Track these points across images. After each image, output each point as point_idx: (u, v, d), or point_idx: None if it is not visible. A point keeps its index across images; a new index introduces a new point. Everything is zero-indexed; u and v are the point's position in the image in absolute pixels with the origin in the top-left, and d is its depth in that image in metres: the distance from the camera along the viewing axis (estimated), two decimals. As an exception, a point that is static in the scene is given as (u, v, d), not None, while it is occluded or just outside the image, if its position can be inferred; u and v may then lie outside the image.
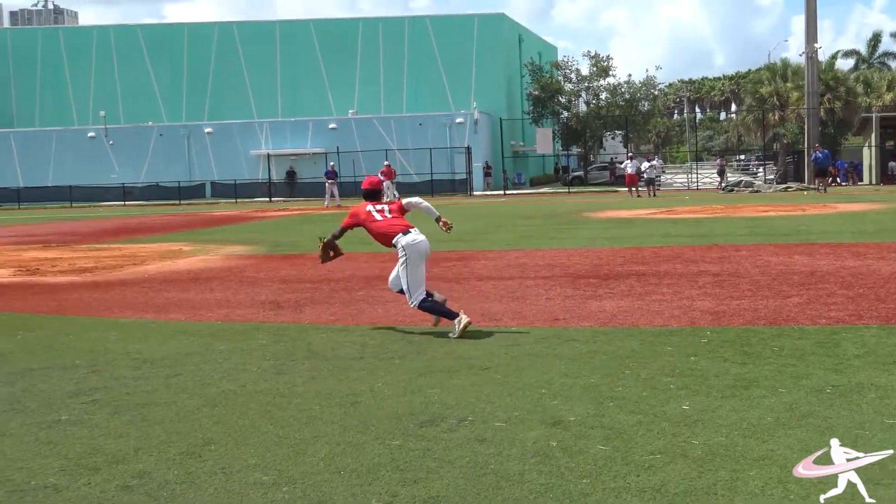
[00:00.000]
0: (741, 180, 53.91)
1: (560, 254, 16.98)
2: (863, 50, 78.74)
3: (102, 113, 68.46)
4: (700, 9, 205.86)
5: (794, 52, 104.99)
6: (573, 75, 71.08)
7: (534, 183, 70.86)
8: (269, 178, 62.90)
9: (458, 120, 62.93)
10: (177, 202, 60.04)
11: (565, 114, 70.97)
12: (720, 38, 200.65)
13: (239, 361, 8.14)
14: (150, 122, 69.37)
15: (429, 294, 9.15)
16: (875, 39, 78.08)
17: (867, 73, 72.12)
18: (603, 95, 71.10)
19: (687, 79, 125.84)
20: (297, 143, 64.90)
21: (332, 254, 10.31)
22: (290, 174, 63.41)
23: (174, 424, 6.18)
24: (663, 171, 63.14)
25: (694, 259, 15.11)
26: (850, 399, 6.24)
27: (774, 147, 68.54)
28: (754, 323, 9.23)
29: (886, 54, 78.06)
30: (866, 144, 56.60)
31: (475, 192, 59.05)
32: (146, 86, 73.56)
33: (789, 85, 66.10)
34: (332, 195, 45.22)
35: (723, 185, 51.94)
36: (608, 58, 70.65)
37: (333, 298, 12.02)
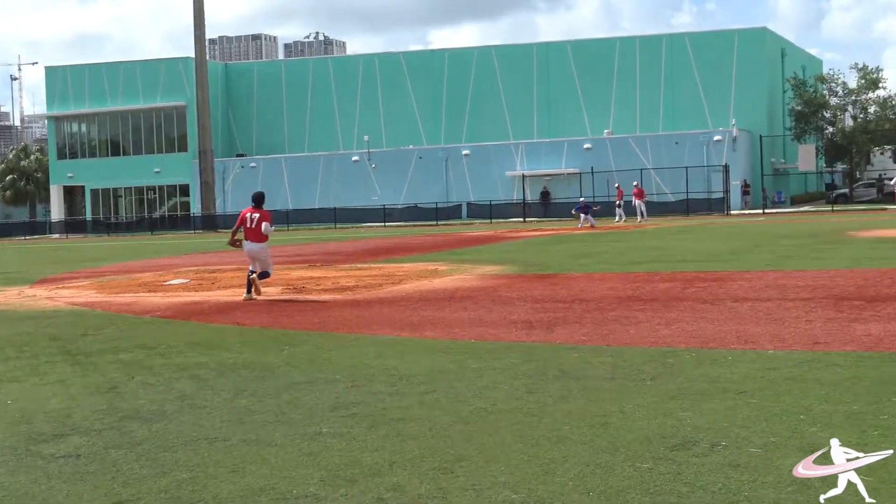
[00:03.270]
0: None
1: (822, 275, 16.30)
2: None
3: (366, 138, 71.32)
4: None
5: None
6: (839, 89, 68.24)
7: (795, 201, 68.34)
8: (524, 199, 63.52)
9: (715, 138, 61.68)
10: (434, 223, 61.60)
11: (830, 129, 68.17)
12: None
13: (491, 380, 8.25)
14: (410, 146, 71.60)
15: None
16: None
17: None
18: (871, 109, 67.87)
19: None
20: (552, 164, 65.38)
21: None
22: (544, 195, 63.84)
23: (427, 440, 6.33)
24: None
25: (971, 281, 14.16)
26: None
27: None
28: None
29: None
30: None
31: (732, 211, 57.61)
32: (407, 110, 76.03)
33: None
34: (587, 218, 45.12)
35: None
36: (878, 69, 67.44)
37: (585, 318, 11.99)
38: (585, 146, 64.44)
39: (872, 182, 69.20)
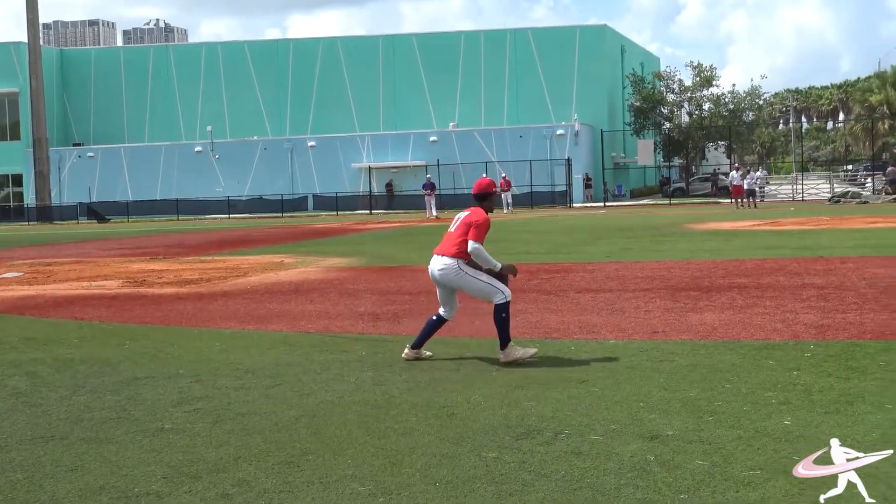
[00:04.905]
0: (848, 191, 52.68)
1: (660, 266, 16.80)
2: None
3: (209, 128, 70.10)
4: (825, 13, 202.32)
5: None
6: (676, 86, 70.43)
7: (634, 195, 70.29)
8: (370, 191, 63.52)
9: (558, 132, 62.86)
10: (279, 215, 61.02)
11: (667, 125, 70.33)
12: (847, 43, 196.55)
13: (338, 372, 8.22)
14: (254, 137, 70.69)
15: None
16: None
17: None
18: (706, 106, 70.31)
19: (794, 88, 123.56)
20: (398, 156, 65.52)
21: None
22: (389, 187, 64.00)
23: (273, 434, 6.27)
24: (767, 183, 62.04)
25: (798, 271, 14.82)
26: (960, 416, 6.06)
27: (884, 157, 66.86)
28: (860, 337, 9.01)
29: None
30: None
31: (575, 204, 58.88)
32: (252, 101, 75.03)
33: (900, 93, 64.52)
34: (431, 206, 45.51)
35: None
36: (712, 67, 69.92)
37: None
38: (431, 139, 64.81)
39: (707, 176, 71.77)
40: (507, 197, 49.62)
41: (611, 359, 8.35)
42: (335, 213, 60.79)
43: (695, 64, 70.33)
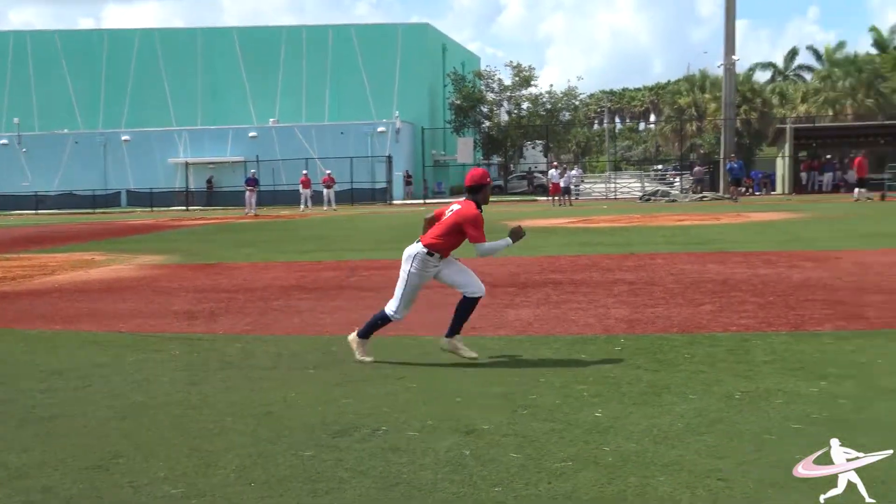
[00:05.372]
0: (658, 190, 54.63)
1: (477, 262, 17.00)
2: (779, 63, 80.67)
3: (16, 120, 67.22)
4: (639, 17, 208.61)
5: (713, 63, 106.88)
6: (495, 85, 71.57)
7: (454, 192, 70.98)
8: (187, 187, 62.20)
9: (379, 129, 62.94)
10: (91, 211, 59.10)
11: (486, 123, 71.40)
12: (659, 47, 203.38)
13: (151, 373, 8.00)
14: (65, 130, 68.20)
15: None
16: (792, 53, 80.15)
17: (783, 85, 73.84)
18: (524, 105, 71.67)
19: (608, 89, 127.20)
20: (217, 152, 64.36)
21: None
22: (210, 182, 62.83)
23: (81, 438, 6.04)
24: (582, 181, 63.76)
25: (610, 268, 15.25)
26: (758, 405, 6.34)
27: (691, 157, 69.63)
28: (668, 330, 9.33)
29: (802, 67, 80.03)
30: (780, 155, 57.80)
31: (395, 201, 59.08)
32: (62, 93, 72.45)
33: (707, 96, 67.35)
34: (251, 204, 44.91)
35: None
36: (530, 68, 71.34)
37: (248, 308, 11.89)
38: (251, 134, 63.87)
39: (525, 174, 73.26)
40: (329, 194, 49.56)
41: (429, 355, 8.40)
42: (150, 208, 59.28)
43: (514, 64, 71.74)
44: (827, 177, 55.15)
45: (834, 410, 6.16)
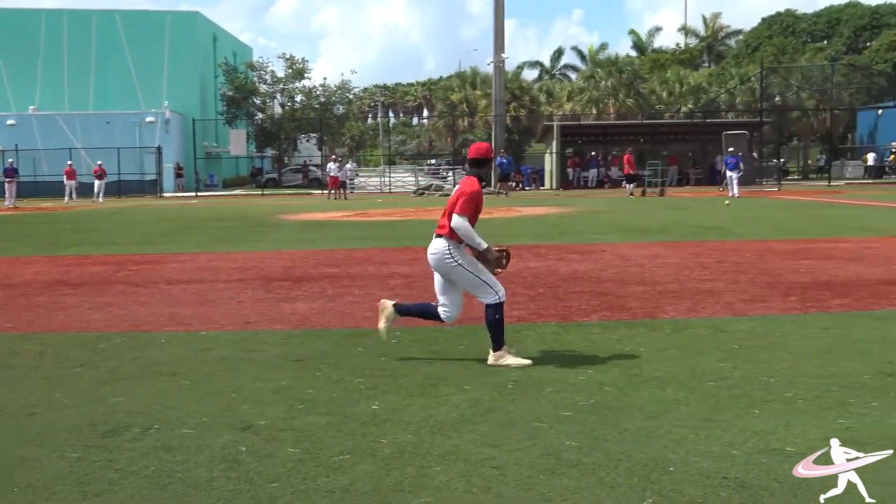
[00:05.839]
0: (432, 184, 55.44)
1: (253, 256, 16.83)
2: (546, 62, 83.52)
3: None
4: (411, 13, 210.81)
5: (483, 60, 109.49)
6: (268, 77, 70.77)
7: (227, 185, 69.87)
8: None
9: (148, 119, 61.15)
10: None
11: (260, 115, 70.53)
12: (431, 43, 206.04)
13: None
14: None
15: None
16: (558, 53, 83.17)
17: (550, 83, 76.43)
18: (298, 98, 71.18)
19: (382, 83, 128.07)
20: (-28, 140, 60.89)
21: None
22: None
23: None
24: (357, 175, 63.96)
25: (386, 261, 15.37)
26: (529, 394, 6.53)
27: (463, 152, 70.94)
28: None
29: (567, 67, 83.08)
30: (548, 151, 59.76)
31: (165, 194, 57.59)
32: None
33: (478, 92, 68.71)
34: (11, 195, 42.80)
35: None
36: (303, 60, 70.91)
37: (9, 305, 11.32)
38: (9, 122, 60.75)
39: (299, 168, 72.85)
40: (100, 185, 47.91)
41: (203, 350, 8.23)
42: None
43: (287, 56, 71.10)
44: (592, 173, 57.42)
45: (600, 397, 6.42)
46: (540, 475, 4.88)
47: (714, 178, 54.58)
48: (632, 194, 41.84)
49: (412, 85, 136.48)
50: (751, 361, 7.36)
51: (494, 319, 7.40)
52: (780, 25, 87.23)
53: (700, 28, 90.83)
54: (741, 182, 39.41)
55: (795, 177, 69.62)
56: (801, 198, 37.81)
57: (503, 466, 5.01)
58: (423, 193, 50.21)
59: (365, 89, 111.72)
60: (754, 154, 58.10)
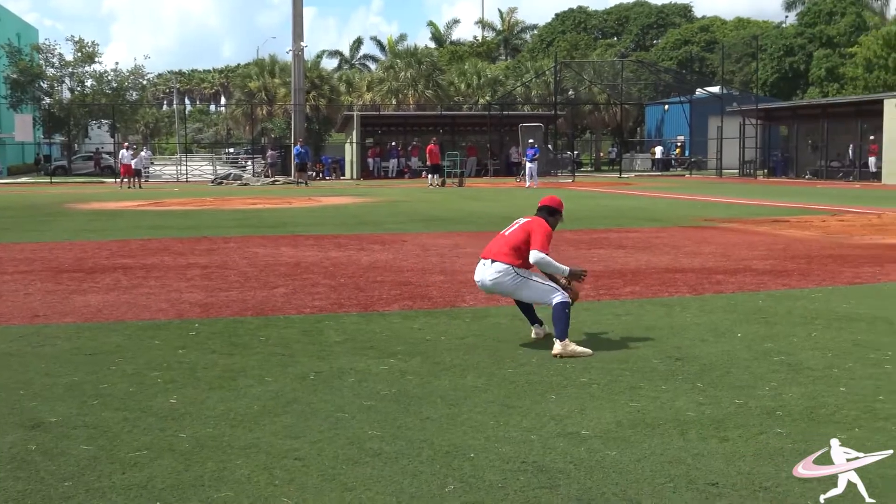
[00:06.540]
0: (230, 173, 54.56)
1: (41, 247, 16.15)
2: (346, 51, 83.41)
3: None
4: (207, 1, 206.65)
5: (282, 49, 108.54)
6: (55, 60, 67.94)
7: (12, 172, 66.69)
8: None
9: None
10: None
11: (47, 100, 67.67)
12: (229, 30, 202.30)
13: None
14: None
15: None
16: (357, 43, 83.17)
17: (349, 73, 76.42)
18: (89, 83, 68.62)
19: (178, 70, 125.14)
20: None
21: None
22: None
23: None
24: (152, 163, 62.27)
25: (183, 251, 15.04)
26: (331, 384, 6.52)
27: (263, 141, 70.12)
28: (242, 314, 9.35)
29: (367, 57, 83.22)
30: (348, 141, 59.72)
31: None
32: None
33: (277, 81, 68.05)
34: None
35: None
36: (94, 44, 68.35)
37: None
38: None
39: (90, 155, 70.33)
40: None
41: (-13, 346, 7.85)
42: None
43: (76, 39, 68.42)
44: (392, 163, 57.68)
45: (402, 386, 6.47)
46: (343, 465, 4.87)
47: (511, 170, 55.83)
48: (432, 184, 42.34)
49: (209, 72, 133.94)
50: (547, 348, 7.55)
51: (564, 314, 7.52)
52: (573, 21, 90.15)
53: (497, 22, 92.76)
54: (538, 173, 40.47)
55: (588, 168, 72.03)
56: (594, 189, 39.13)
57: (305, 458, 4.98)
58: (221, 183, 49.30)
59: (160, 75, 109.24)
60: (549, 146, 59.72)
